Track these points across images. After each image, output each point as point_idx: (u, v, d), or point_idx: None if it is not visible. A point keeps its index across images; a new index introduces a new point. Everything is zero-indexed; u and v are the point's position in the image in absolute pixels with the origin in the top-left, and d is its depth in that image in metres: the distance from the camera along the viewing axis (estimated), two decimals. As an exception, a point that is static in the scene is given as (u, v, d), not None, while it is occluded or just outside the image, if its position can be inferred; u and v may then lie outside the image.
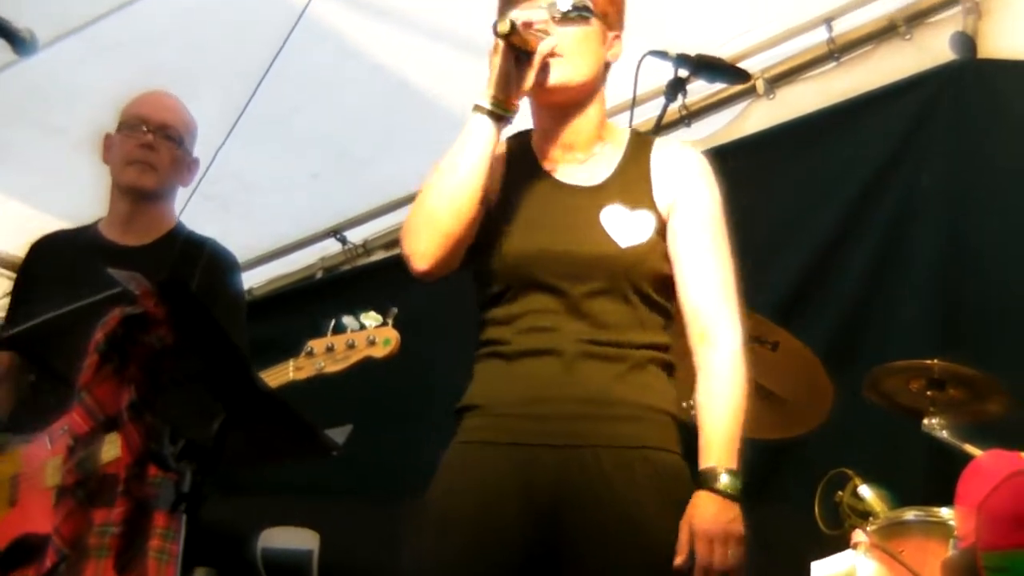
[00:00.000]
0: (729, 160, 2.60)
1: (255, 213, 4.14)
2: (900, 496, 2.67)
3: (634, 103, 2.56)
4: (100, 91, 3.10)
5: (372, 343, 2.21)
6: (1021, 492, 2.21)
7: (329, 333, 2.22)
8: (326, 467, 2.37)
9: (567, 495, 2.09)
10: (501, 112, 2.10)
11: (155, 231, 2.77)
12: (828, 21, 3.59)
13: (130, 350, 1.76)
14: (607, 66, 2.22)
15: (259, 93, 2.84)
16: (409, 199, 4.21)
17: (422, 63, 3.65)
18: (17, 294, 2.79)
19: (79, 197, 3.04)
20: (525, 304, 2.16)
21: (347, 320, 2.21)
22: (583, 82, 2.17)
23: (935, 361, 2.91)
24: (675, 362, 2.17)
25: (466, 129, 2.10)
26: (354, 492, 3.84)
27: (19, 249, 3.07)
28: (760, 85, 3.67)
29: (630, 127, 2.36)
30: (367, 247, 4.40)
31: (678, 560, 2.05)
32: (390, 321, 2.24)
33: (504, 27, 2.05)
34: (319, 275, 4.48)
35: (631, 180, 2.19)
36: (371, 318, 2.22)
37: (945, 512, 2.60)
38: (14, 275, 2.99)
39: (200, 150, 2.85)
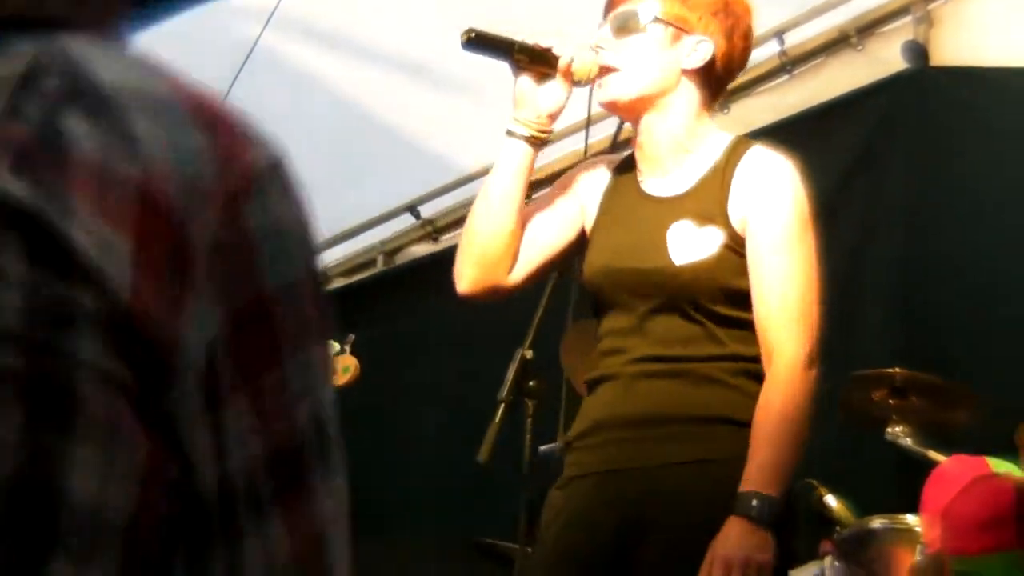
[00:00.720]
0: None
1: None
2: (866, 505, 2.71)
3: (588, 123, 2.59)
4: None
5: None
6: (985, 496, 2.27)
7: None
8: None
9: (623, 519, 2.10)
10: (529, 133, 2.11)
11: None
12: (780, 34, 3.64)
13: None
14: (694, 72, 2.17)
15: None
16: (365, 227, 4.32)
17: (380, 93, 3.68)
18: None
19: None
20: (607, 325, 2.19)
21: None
22: (640, 95, 2.14)
23: (897, 370, 2.96)
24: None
25: (500, 153, 2.14)
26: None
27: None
28: (714, 101, 3.70)
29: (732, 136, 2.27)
30: (327, 274, 4.40)
31: None
32: (347, 348, 2.26)
33: (464, 35, 2.05)
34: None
35: (709, 192, 2.16)
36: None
37: (911, 519, 2.64)
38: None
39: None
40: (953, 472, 2.47)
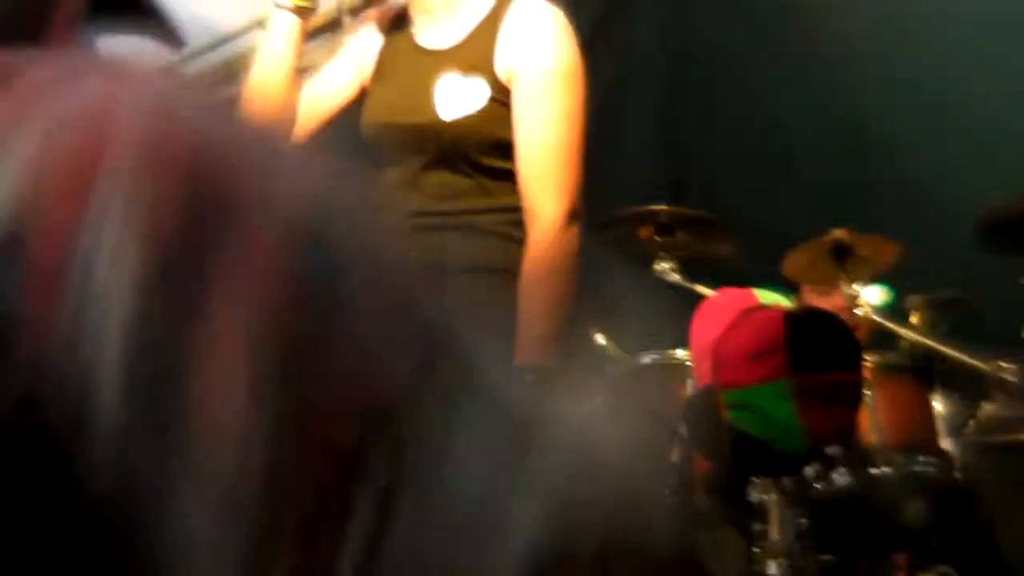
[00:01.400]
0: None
1: None
2: (636, 341, 2.82)
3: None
4: None
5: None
6: (755, 328, 2.39)
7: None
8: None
9: None
10: (292, 5, 2.17)
11: None
12: None
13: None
14: None
15: None
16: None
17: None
18: None
19: None
20: (386, 179, 2.20)
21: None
22: None
23: (663, 207, 3.07)
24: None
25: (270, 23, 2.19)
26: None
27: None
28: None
29: None
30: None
31: None
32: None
33: None
34: None
35: (477, 43, 2.15)
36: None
37: (681, 354, 2.76)
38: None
39: None
40: (721, 305, 2.60)
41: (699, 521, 2.63)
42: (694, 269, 3.14)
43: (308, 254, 0.47)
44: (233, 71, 2.40)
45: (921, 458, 2.72)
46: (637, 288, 3.44)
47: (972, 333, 2.92)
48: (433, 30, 2.21)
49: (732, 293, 2.67)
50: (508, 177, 2.18)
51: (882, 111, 4.19)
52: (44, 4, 0.60)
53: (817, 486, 2.70)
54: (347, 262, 0.48)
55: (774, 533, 2.53)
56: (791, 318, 2.40)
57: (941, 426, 2.81)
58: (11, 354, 0.41)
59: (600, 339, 2.88)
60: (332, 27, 2.38)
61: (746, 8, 3.51)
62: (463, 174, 2.16)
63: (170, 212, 0.43)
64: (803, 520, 2.69)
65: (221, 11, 2.81)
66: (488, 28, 2.18)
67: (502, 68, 2.14)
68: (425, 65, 2.17)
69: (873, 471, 2.68)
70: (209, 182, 0.44)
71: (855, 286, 2.90)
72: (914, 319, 3.10)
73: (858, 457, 2.69)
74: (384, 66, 2.24)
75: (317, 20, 2.34)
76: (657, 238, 3.15)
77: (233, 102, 2.17)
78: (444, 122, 2.11)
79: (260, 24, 2.46)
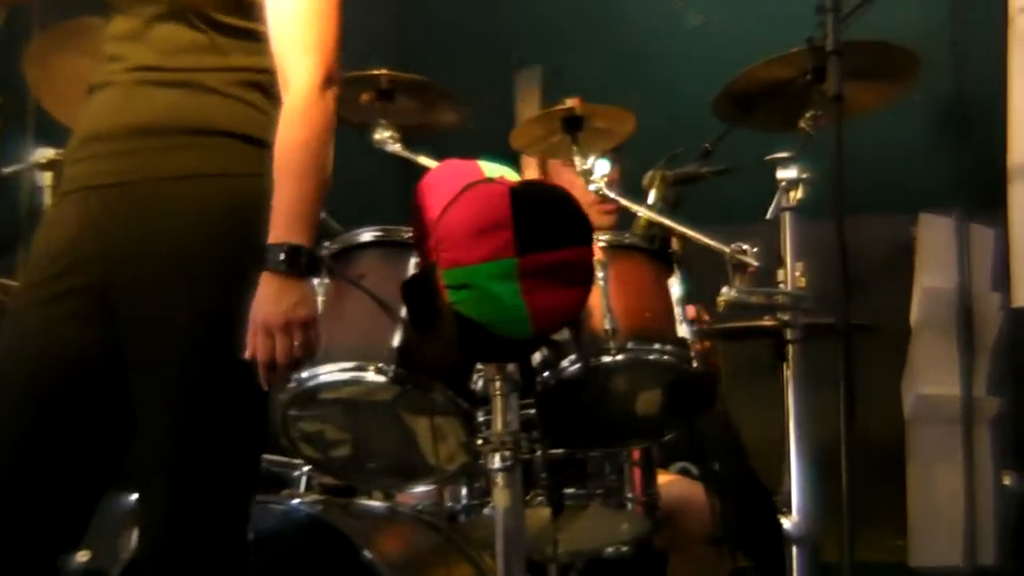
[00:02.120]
0: None
1: None
2: (355, 218, 3.05)
3: None
4: None
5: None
6: (479, 203, 2.65)
7: None
8: None
9: (111, 242, 2.26)
10: None
11: None
12: None
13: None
14: None
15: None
16: None
17: None
18: None
19: None
20: (110, 29, 2.32)
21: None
22: None
23: (383, 71, 3.28)
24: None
25: None
26: None
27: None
28: None
29: None
30: None
31: (246, 354, 2.27)
32: None
33: None
34: None
35: None
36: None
37: (404, 231, 2.97)
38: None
39: None
40: (445, 178, 2.82)
41: (423, 408, 2.86)
42: (417, 139, 3.40)
43: None
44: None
45: (657, 345, 3.01)
46: (357, 159, 3.70)
47: (714, 213, 3.27)
48: None
49: (456, 165, 2.90)
50: (247, 36, 2.33)
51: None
52: None
53: (545, 374, 2.97)
54: None
55: (498, 424, 2.81)
56: (517, 193, 2.68)
57: (678, 312, 3.09)
58: None
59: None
60: None
61: None
62: (195, 29, 2.29)
63: None
64: (529, 410, 3.00)
65: None
66: None
67: None
68: None
69: (605, 359, 2.95)
70: None
71: (588, 159, 3.22)
72: (651, 196, 3.42)
73: (589, 343, 2.96)
74: None
75: None
76: (378, 104, 3.38)
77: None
78: None
79: None
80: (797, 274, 3.20)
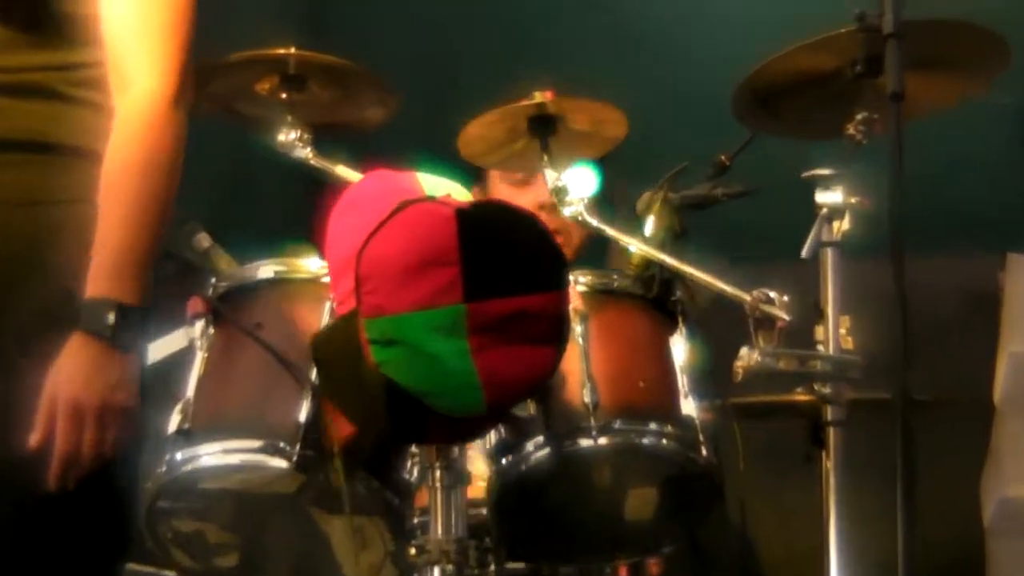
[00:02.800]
0: None
1: None
2: (254, 249, 3.07)
3: None
4: None
5: None
6: (415, 230, 2.66)
7: None
8: None
9: None
10: None
11: None
12: None
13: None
14: None
15: None
16: None
17: None
18: None
19: None
20: None
21: None
22: None
23: (290, 50, 3.30)
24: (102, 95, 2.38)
25: None
26: None
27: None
28: None
29: None
30: None
31: (32, 441, 2.26)
32: None
33: None
34: None
35: None
36: None
37: (316, 266, 3.00)
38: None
39: None
40: (370, 196, 2.85)
41: (338, 504, 2.85)
42: (334, 142, 3.43)
43: None
44: None
45: (653, 425, 3.02)
46: (259, 170, 3.72)
47: (732, 249, 3.29)
48: None
49: (385, 178, 2.92)
50: (73, 27, 2.38)
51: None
52: None
53: (502, 461, 2.98)
54: None
55: (437, 528, 2.80)
56: (467, 217, 2.66)
57: (682, 379, 3.12)
58: None
59: (203, 241, 3.05)
60: None
61: None
62: (13, 23, 2.34)
63: None
64: (479, 510, 2.99)
65: None
66: None
67: None
68: None
69: (583, 443, 2.95)
70: None
71: (560, 173, 3.24)
72: (649, 224, 3.42)
73: (562, 421, 2.98)
74: None
75: None
76: (284, 94, 3.40)
77: None
78: None
79: None
80: (842, 331, 3.21)
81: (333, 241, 2.83)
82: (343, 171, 3.34)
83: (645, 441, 3.03)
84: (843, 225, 3.24)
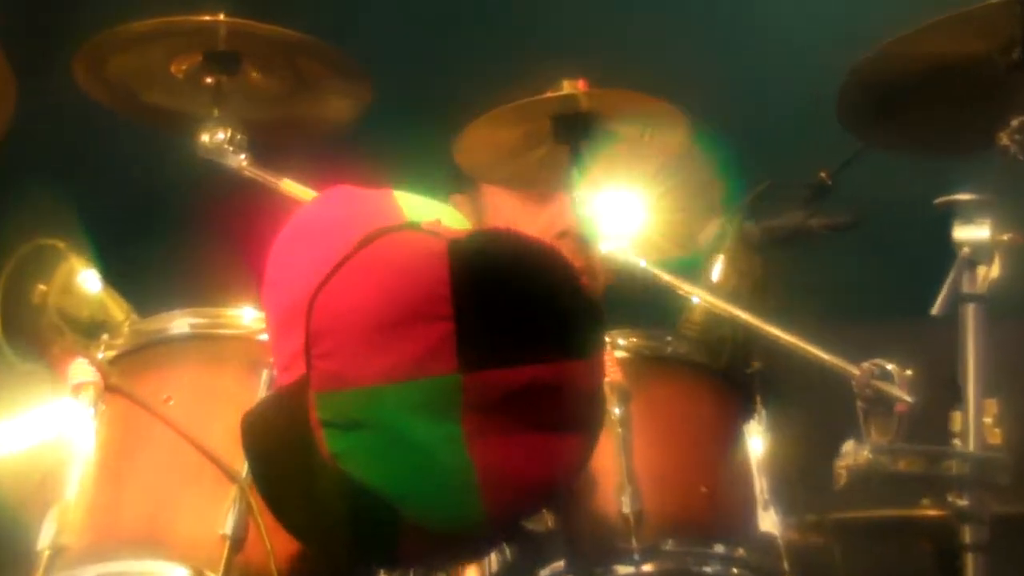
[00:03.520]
0: None
1: None
2: (164, 292, 3.05)
3: None
4: None
5: None
6: (391, 270, 2.67)
7: None
8: None
9: None
10: None
11: None
12: None
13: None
14: None
15: None
16: None
17: None
18: None
19: None
20: None
21: None
22: None
23: (219, 16, 3.32)
24: None
25: None
26: None
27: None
28: None
29: None
30: None
31: None
32: None
33: None
34: None
35: None
36: None
37: (249, 318, 3.03)
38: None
39: None
40: (327, 222, 2.87)
41: None
42: (277, 146, 3.43)
43: None
44: None
45: (719, 548, 3.05)
46: (168, 182, 3.74)
47: (833, 303, 3.28)
48: None
49: (349, 198, 2.94)
50: None
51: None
52: None
53: None
54: None
55: None
56: (464, 252, 2.68)
57: (761, 484, 3.17)
58: None
59: (92, 284, 3.05)
60: None
61: None
62: None
63: None
64: None
65: None
66: None
67: None
68: None
69: (620, 571, 2.99)
70: None
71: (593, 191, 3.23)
72: (717, 268, 3.42)
73: (590, 541, 3.00)
74: None
75: None
76: (208, 79, 3.41)
77: None
78: None
79: None
80: (986, 420, 3.21)
81: (275, 284, 2.83)
82: (290, 187, 3.34)
83: (707, 570, 3.07)
84: (990, 272, 3.23)
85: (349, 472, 2.62)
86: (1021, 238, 3.21)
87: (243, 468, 2.83)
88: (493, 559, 3.02)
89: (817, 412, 3.19)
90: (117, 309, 3.09)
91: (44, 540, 2.86)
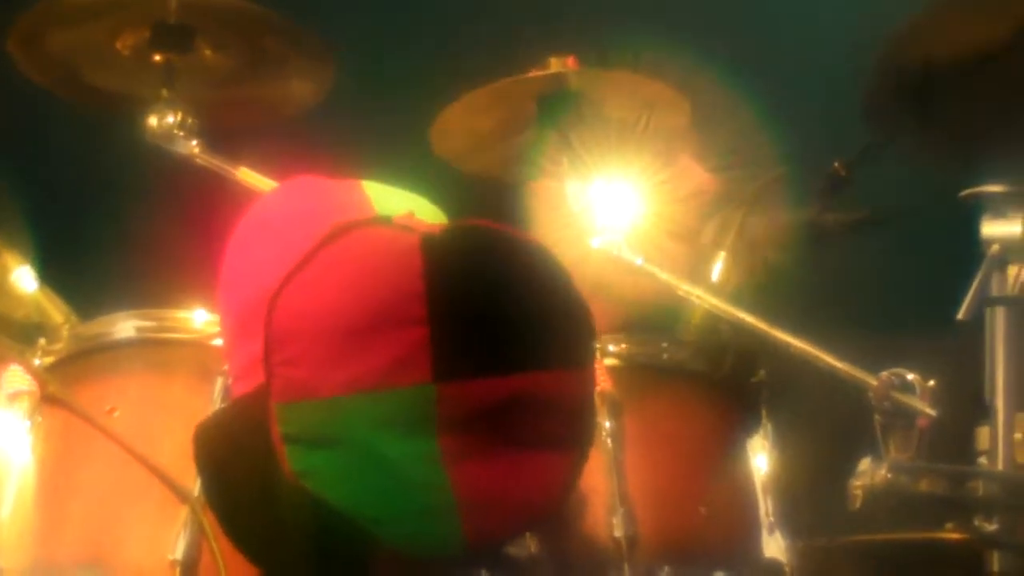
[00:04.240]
0: None
1: None
2: (109, 292, 3.05)
3: None
4: None
5: None
6: (360, 268, 2.67)
7: None
8: None
9: None
10: None
11: None
12: None
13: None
14: None
15: None
16: None
17: None
18: None
19: None
20: None
21: None
22: None
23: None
24: None
25: None
26: None
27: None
28: None
29: None
30: None
31: None
32: None
33: None
34: None
35: None
36: None
37: (201, 320, 3.04)
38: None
39: None
40: (290, 216, 2.88)
41: None
42: (233, 131, 3.42)
43: None
44: None
45: (719, 575, 3.08)
46: (111, 170, 3.73)
47: (851, 304, 3.28)
48: None
49: (312, 189, 2.94)
50: None
51: None
52: None
53: None
54: None
55: None
56: (439, 249, 2.68)
57: (766, 505, 3.18)
58: None
59: (27, 282, 3.05)
60: None
61: None
62: None
63: None
64: None
65: None
66: None
67: None
68: None
69: None
70: None
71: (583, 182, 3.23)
72: (719, 266, 3.43)
73: (580, 566, 3.01)
74: None
75: None
76: (156, 57, 3.41)
77: None
78: None
79: None
80: (1018, 436, 3.22)
81: (231, 283, 2.84)
82: (248, 176, 3.34)
83: (705, 600, 3.11)
84: (1022, 272, 3.23)
85: (315, 492, 2.62)
86: None
87: (195, 486, 2.83)
88: (471, 588, 3.01)
89: (829, 426, 3.19)
90: (55, 310, 3.09)
91: (-27, 566, 2.86)
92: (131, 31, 3.40)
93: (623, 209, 3.33)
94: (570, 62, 3.30)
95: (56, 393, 2.91)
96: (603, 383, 2.99)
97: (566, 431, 2.70)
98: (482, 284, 2.68)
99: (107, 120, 3.47)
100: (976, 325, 3.21)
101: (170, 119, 3.38)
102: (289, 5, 3.48)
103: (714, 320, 3.28)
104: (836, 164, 3.48)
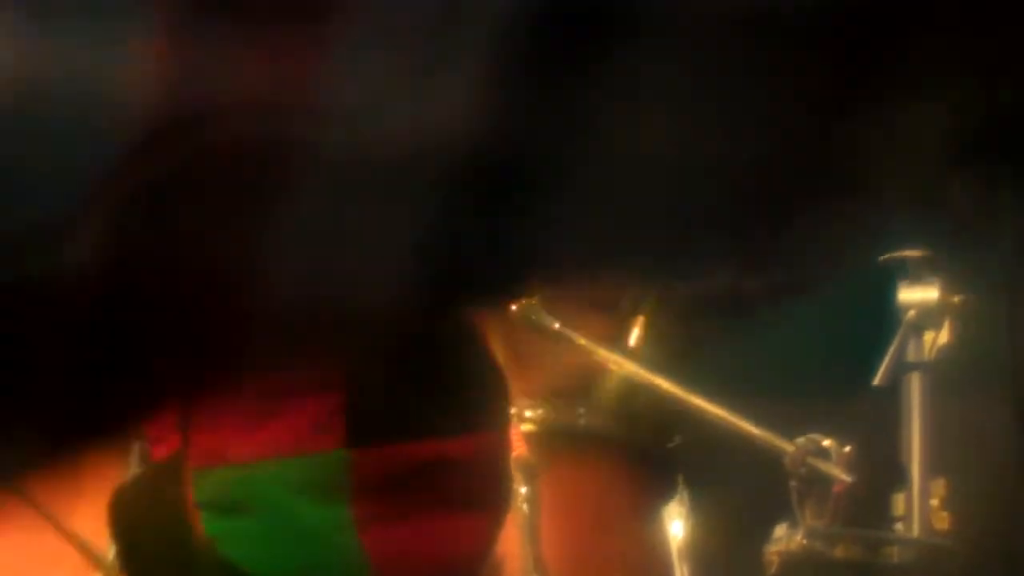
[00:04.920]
0: None
1: None
2: None
3: None
4: None
5: None
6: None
7: None
8: None
9: None
10: None
11: None
12: None
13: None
14: None
15: None
16: None
17: None
18: None
19: None
20: None
21: None
22: None
23: None
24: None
25: None
26: None
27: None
28: None
29: None
30: None
31: None
32: None
33: None
34: None
35: None
36: None
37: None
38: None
39: None
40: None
41: None
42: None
43: None
44: None
45: None
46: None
47: (766, 369, 3.34)
48: None
49: None
50: None
51: None
52: None
53: None
54: None
55: None
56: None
57: (682, 572, 3.21)
58: None
59: None
60: None
61: None
62: None
63: None
64: None
65: None
66: None
67: None
68: None
69: None
70: None
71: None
72: (634, 330, 3.44)
73: None
74: None
75: None
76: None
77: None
78: None
79: None
80: (933, 502, 3.24)
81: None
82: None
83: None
84: (939, 338, 3.26)
85: (229, 558, 2.66)
86: (972, 301, 3.25)
87: (110, 552, 2.87)
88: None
89: (745, 493, 3.23)
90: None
91: None
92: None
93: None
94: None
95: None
96: (519, 448, 3.00)
97: (481, 495, 2.73)
98: (399, 347, 2.71)
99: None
100: (893, 391, 3.25)
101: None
102: None
103: (631, 386, 3.31)
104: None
